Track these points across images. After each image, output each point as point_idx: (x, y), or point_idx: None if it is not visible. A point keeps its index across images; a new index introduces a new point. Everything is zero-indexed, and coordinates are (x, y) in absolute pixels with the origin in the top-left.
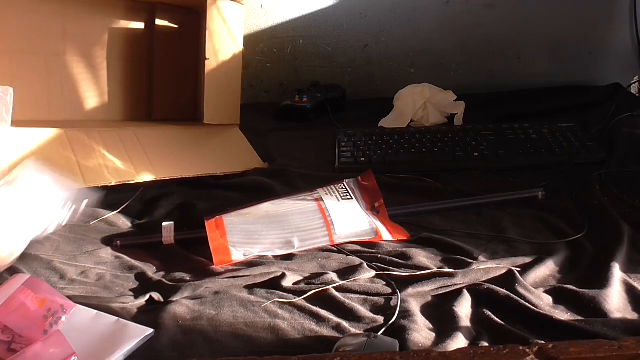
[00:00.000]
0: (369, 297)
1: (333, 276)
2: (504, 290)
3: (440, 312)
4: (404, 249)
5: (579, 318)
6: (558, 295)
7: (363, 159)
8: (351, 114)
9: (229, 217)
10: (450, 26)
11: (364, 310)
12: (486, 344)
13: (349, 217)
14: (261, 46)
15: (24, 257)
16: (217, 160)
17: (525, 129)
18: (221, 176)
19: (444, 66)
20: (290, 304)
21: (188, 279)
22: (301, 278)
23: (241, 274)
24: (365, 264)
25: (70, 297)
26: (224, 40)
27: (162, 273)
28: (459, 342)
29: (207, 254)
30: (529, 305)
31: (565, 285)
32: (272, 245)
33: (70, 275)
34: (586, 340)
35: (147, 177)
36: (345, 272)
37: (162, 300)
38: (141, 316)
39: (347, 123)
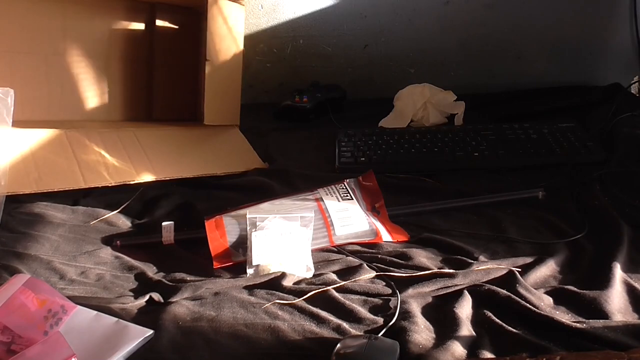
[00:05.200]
0: (369, 298)
1: (333, 277)
2: (504, 291)
3: (440, 313)
4: (404, 249)
5: (580, 319)
6: (559, 296)
7: (363, 159)
8: (351, 114)
9: (229, 217)
10: (450, 26)
11: (364, 311)
12: (487, 348)
13: (349, 218)
14: (261, 46)
15: (24, 257)
16: (217, 160)
17: (525, 129)
18: (221, 176)
19: (444, 66)
20: (290, 304)
21: (188, 279)
22: (301, 278)
23: (241, 275)
24: (365, 265)
25: (69, 298)
26: (225, 41)
27: (162, 273)
28: (459, 343)
29: (207, 254)
30: (530, 306)
31: (566, 286)
32: None
33: (70, 276)
34: (595, 352)
35: (147, 177)
36: (345, 273)
37: (162, 300)
38: (141, 317)
39: (347, 123)
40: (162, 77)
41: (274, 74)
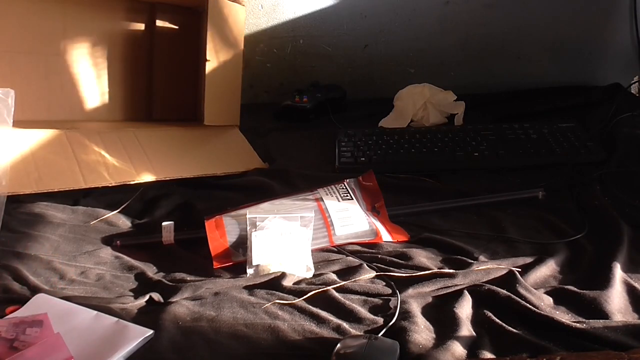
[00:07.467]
0: (369, 298)
1: (333, 277)
2: (504, 291)
3: (440, 313)
4: (404, 249)
5: (580, 319)
6: (559, 295)
7: (363, 159)
8: (351, 114)
9: (229, 217)
10: (450, 26)
11: (364, 311)
12: (487, 348)
13: (349, 218)
14: (261, 46)
15: (24, 257)
16: (217, 160)
17: (525, 129)
18: (221, 176)
19: (444, 66)
20: (290, 304)
21: (188, 279)
22: (301, 278)
23: (241, 275)
24: (365, 265)
25: (69, 298)
26: (225, 41)
27: (162, 273)
28: (459, 343)
29: (207, 254)
30: (530, 306)
31: (566, 286)
32: None
33: (70, 276)
34: (595, 352)
35: (147, 177)
36: (346, 273)
37: (161, 300)
38: (141, 317)
39: (347, 123)
40: (162, 77)
41: (274, 74)
